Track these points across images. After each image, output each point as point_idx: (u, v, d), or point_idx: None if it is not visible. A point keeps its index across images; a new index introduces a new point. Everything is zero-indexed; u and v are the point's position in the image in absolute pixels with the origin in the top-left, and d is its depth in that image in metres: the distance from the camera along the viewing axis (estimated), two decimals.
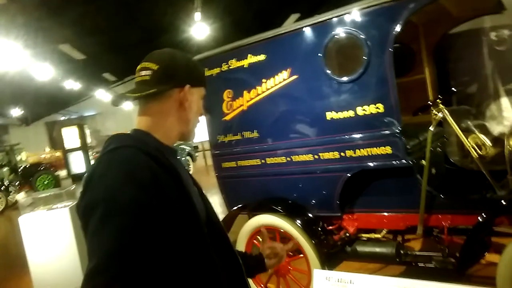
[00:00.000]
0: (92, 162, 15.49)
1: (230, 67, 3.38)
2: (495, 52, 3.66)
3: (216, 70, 3.47)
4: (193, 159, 13.28)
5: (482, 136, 2.64)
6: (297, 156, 3.13)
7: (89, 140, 16.65)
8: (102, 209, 0.96)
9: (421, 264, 2.83)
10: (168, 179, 1.07)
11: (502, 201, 2.52)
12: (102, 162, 1.07)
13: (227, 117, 3.47)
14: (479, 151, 2.65)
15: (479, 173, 2.75)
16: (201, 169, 13.44)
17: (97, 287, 0.89)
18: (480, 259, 2.76)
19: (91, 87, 18.24)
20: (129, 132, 1.24)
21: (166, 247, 1.02)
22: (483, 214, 2.49)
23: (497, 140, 2.88)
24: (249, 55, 3.24)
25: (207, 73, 3.50)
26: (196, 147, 13.82)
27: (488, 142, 2.61)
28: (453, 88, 3.34)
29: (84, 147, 15.73)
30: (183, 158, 12.04)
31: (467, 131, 2.80)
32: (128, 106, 21.17)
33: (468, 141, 2.67)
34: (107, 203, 0.96)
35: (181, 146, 12.18)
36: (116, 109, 21.48)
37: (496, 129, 3.66)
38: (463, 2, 3.10)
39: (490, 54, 3.68)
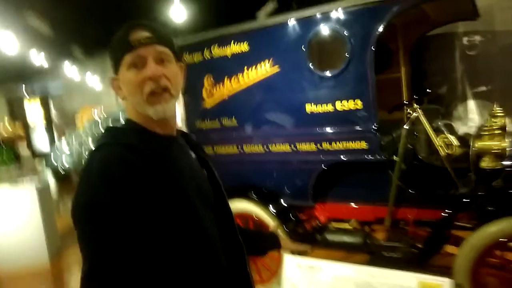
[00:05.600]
0: (57, 139, 14.93)
1: (212, 54, 3.36)
2: (466, 57, 3.85)
3: (197, 56, 3.44)
4: None
5: (450, 136, 2.80)
6: (274, 145, 3.19)
7: (54, 118, 15.99)
8: (81, 214, 0.99)
9: (386, 254, 2.99)
10: (144, 166, 1.04)
11: (464, 198, 2.70)
12: (86, 163, 1.07)
13: (207, 104, 3.47)
14: (446, 150, 2.81)
15: (444, 170, 2.92)
16: None
17: None
18: (440, 250, 2.94)
19: (58, 62, 17.45)
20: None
21: (150, 236, 1.02)
22: (446, 209, 2.66)
23: (462, 139, 3.06)
24: (232, 43, 3.24)
25: (188, 58, 3.47)
26: None
27: (455, 142, 2.76)
28: (427, 89, 3.48)
29: (49, 124, 15.10)
30: None
31: (436, 131, 2.95)
32: (98, 85, 20.42)
33: (437, 140, 2.82)
34: (84, 207, 0.98)
35: None
36: (83, 87, 20.65)
37: (461, 129, 3.89)
38: (442, 7, 3.22)
39: (461, 58, 3.86)
